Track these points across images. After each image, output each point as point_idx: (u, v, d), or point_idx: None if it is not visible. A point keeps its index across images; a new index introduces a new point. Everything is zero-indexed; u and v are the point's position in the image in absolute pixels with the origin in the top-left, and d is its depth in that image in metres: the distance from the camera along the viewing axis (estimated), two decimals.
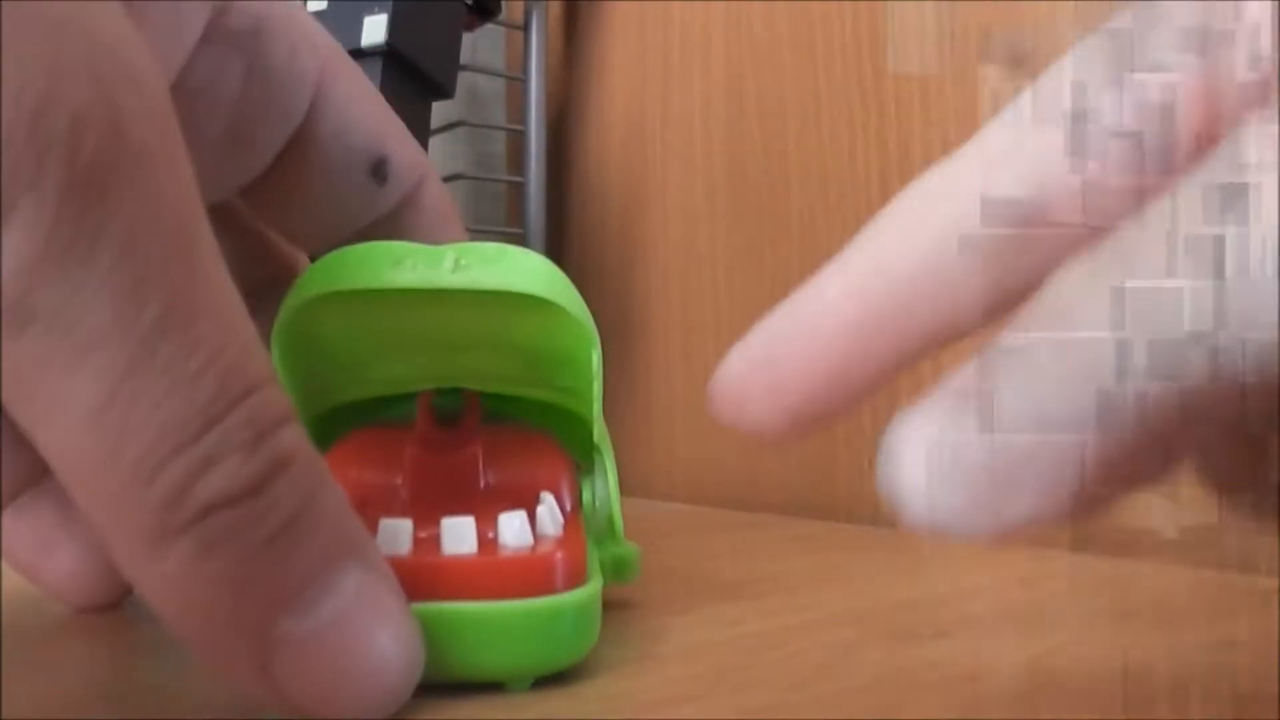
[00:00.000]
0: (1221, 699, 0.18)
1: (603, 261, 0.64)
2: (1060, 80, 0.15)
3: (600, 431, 0.24)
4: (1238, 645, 0.21)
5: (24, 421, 0.14)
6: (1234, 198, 0.11)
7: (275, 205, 0.25)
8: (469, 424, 0.23)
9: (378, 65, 0.42)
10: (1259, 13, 0.12)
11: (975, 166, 0.14)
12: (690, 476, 0.56)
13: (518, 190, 0.64)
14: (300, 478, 0.16)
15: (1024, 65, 0.42)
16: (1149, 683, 0.19)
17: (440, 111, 0.51)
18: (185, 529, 0.14)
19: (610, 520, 0.25)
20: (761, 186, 0.54)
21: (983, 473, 0.12)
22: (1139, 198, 0.13)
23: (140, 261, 0.14)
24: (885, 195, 0.54)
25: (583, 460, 0.25)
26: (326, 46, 0.24)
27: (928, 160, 0.51)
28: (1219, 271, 0.11)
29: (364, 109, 0.24)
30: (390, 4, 0.42)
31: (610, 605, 0.25)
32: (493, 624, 0.18)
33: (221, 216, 0.22)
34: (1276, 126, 0.11)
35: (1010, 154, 0.15)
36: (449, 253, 0.20)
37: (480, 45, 0.72)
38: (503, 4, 0.60)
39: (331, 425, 0.25)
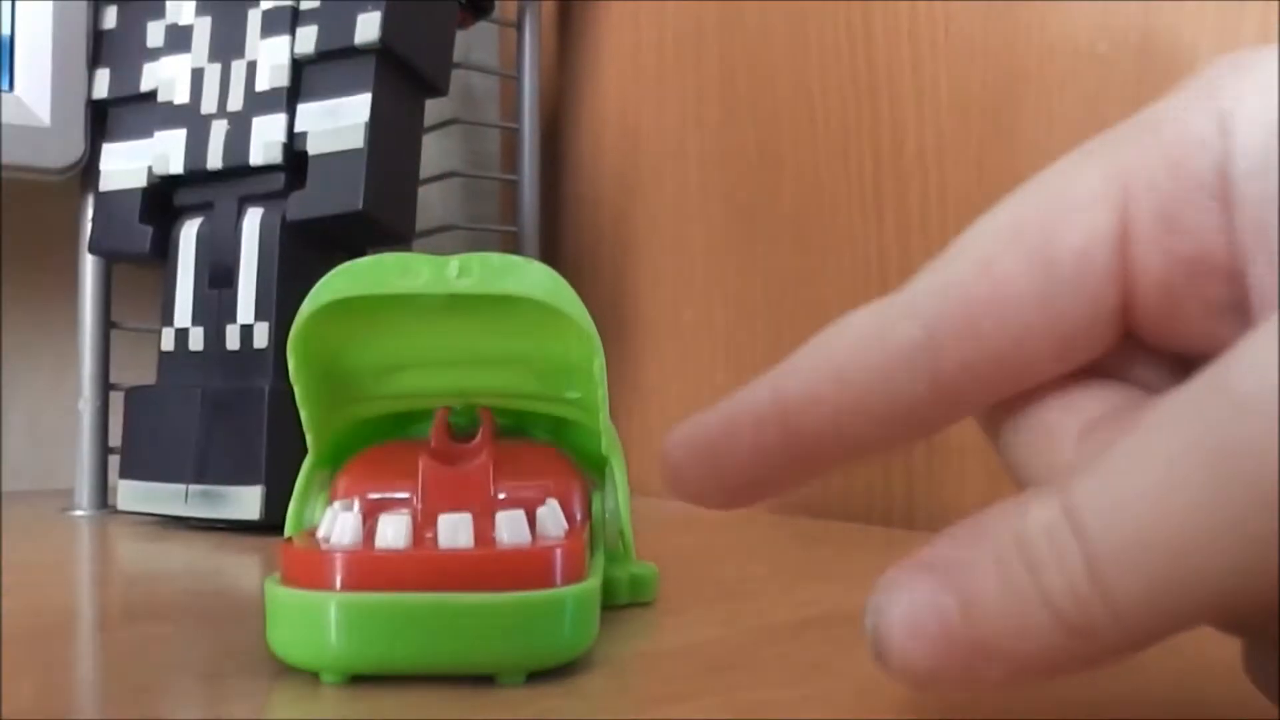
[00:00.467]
0: None
1: (597, 259, 0.64)
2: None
3: (610, 441, 0.24)
4: None
5: None
6: None
7: None
8: (482, 438, 0.23)
9: (371, 63, 0.42)
10: None
11: (892, 308, 0.16)
12: None
13: (511, 188, 0.63)
14: None
15: None
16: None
17: (434, 109, 0.51)
18: None
19: (622, 534, 0.25)
20: (755, 184, 0.54)
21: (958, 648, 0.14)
22: None
23: None
24: (878, 193, 0.54)
25: (594, 475, 0.25)
26: None
27: (921, 158, 0.51)
28: None
29: None
30: (384, 2, 0.42)
31: (609, 605, 0.25)
32: (487, 615, 0.18)
33: None
34: None
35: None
36: (454, 261, 0.21)
37: (474, 43, 0.72)
38: (496, 2, 0.60)
39: (359, 439, 0.25)
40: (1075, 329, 0.15)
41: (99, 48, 0.48)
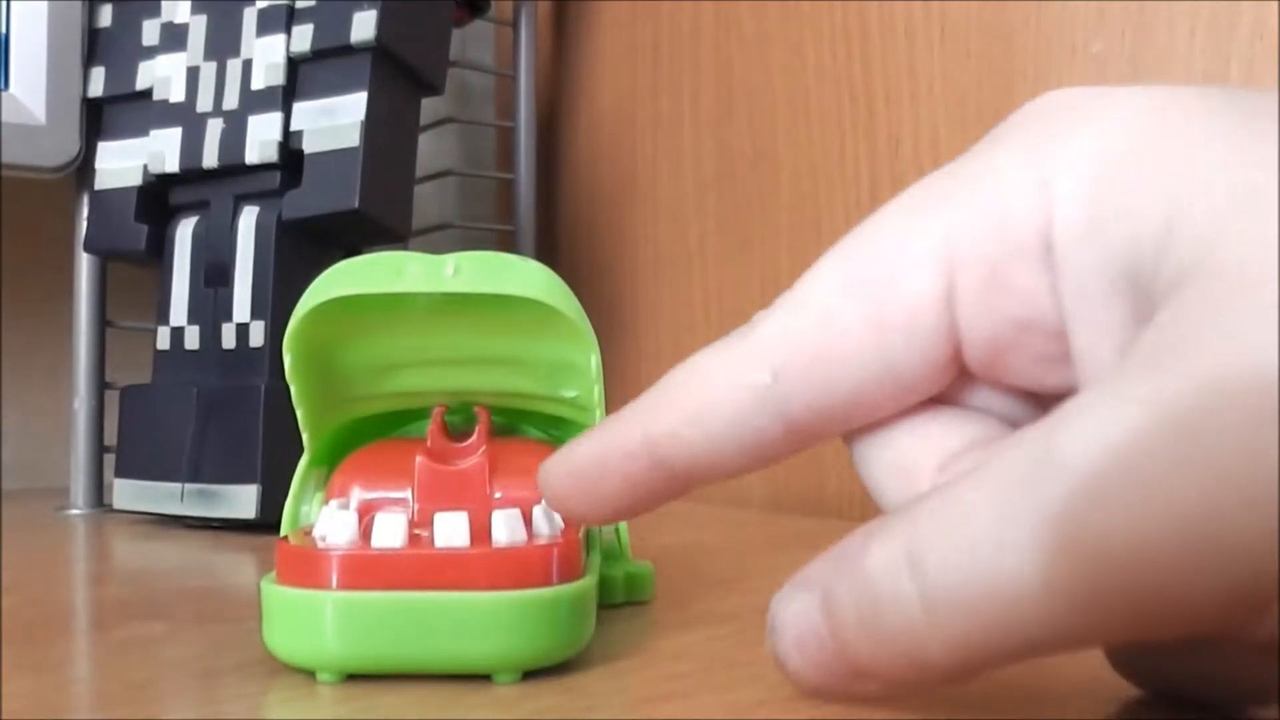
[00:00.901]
0: None
1: (593, 257, 0.64)
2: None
3: None
4: None
5: None
6: None
7: None
8: (479, 437, 0.24)
9: (367, 61, 0.42)
10: None
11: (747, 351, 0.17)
12: None
13: (508, 187, 0.63)
14: None
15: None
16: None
17: (430, 108, 0.51)
18: None
19: (618, 533, 0.25)
20: (750, 183, 0.54)
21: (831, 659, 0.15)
22: None
23: None
24: (874, 192, 0.54)
25: None
26: None
27: (916, 157, 0.51)
28: None
29: None
30: (380, 0, 0.42)
31: (606, 603, 0.25)
32: (482, 614, 0.18)
33: None
34: None
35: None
36: (449, 260, 0.21)
37: (470, 41, 0.72)
38: (492, 0, 0.60)
39: (355, 438, 0.25)
40: (910, 378, 0.17)
41: (94, 46, 0.48)
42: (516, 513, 0.20)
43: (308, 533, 0.21)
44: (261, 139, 0.43)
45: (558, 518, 0.21)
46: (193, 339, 0.44)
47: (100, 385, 0.49)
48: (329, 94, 0.43)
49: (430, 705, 0.18)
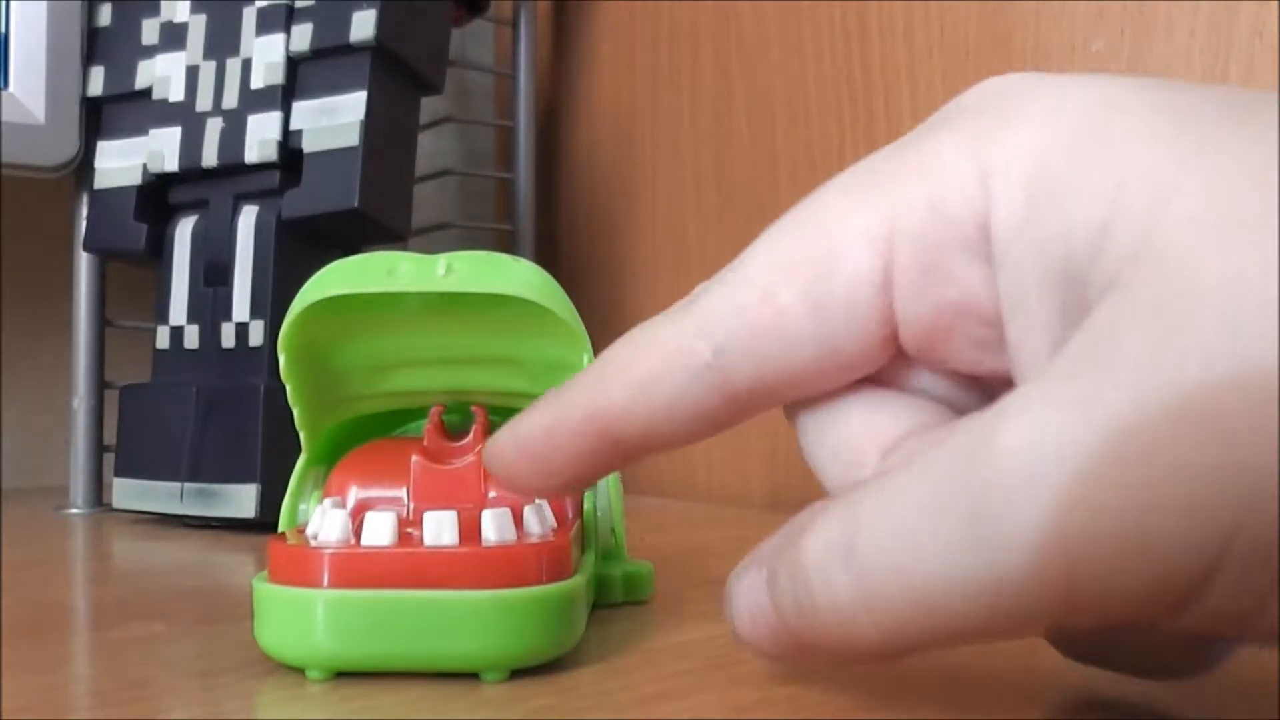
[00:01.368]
0: None
1: (592, 256, 0.64)
2: None
3: None
4: None
5: None
6: None
7: None
8: (474, 436, 0.24)
9: (366, 61, 0.42)
10: None
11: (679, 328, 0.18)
12: (678, 472, 0.57)
13: (507, 186, 0.63)
14: None
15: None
16: None
17: (429, 107, 0.51)
18: None
19: (614, 532, 0.25)
20: (750, 182, 0.54)
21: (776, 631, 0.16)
22: None
23: None
24: None
25: None
26: None
27: None
28: None
29: None
30: (379, 0, 0.42)
31: (604, 603, 0.25)
32: (470, 613, 0.18)
33: None
34: None
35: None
36: (441, 259, 0.21)
37: (469, 41, 0.72)
38: (492, 0, 0.60)
39: (355, 436, 0.25)
40: (849, 356, 0.17)
41: (94, 45, 0.48)
42: (506, 511, 0.20)
43: (302, 531, 0.21)
44: (261, 138, 0.43)
45: (549, 516, 0.21)
46: (192, 338, 0.44)
47: (100, 384, 0.49)
48: (328, 93, 0.43)
49: (425, 705, 0.18)
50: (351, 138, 0.42)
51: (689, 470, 0.56)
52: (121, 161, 0.47)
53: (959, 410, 0.18)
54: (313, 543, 0.19)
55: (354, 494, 0.23)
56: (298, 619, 0.18)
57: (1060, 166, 0.14)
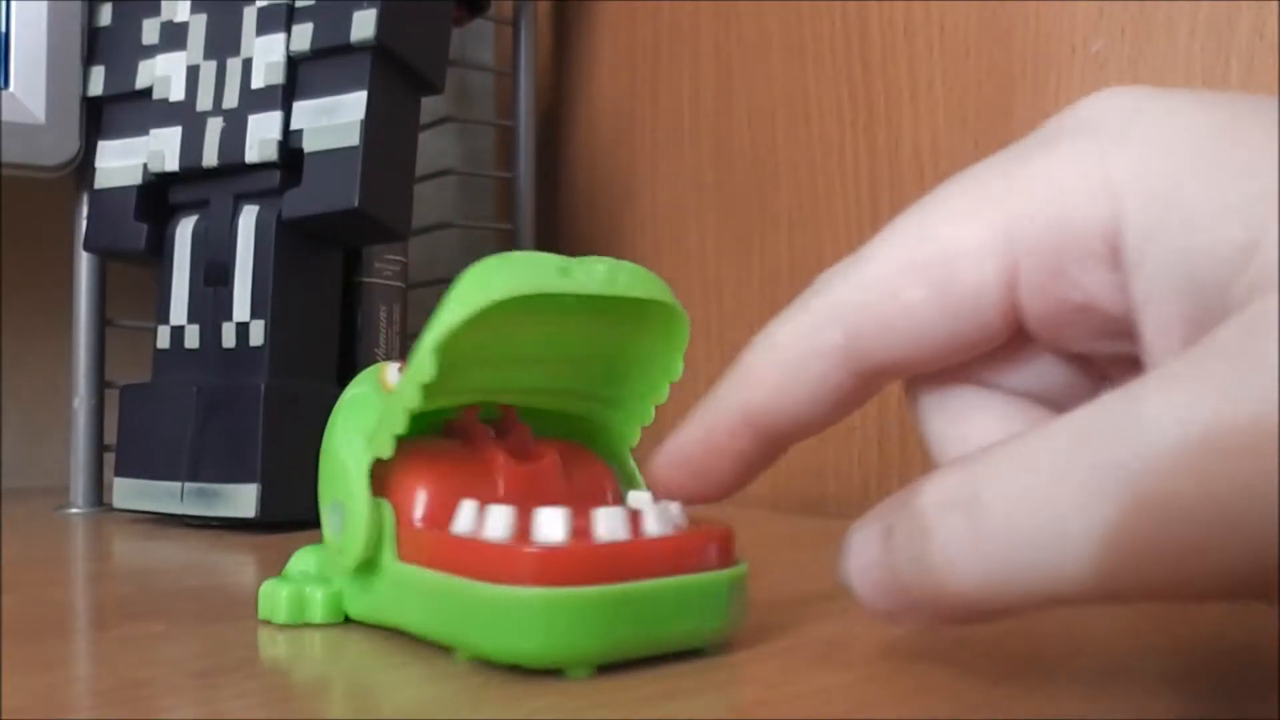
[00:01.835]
0: None
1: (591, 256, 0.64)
2: None
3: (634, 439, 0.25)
4: None
5: None
6: None
7: None
8: (523, 435, 0.24)
9: (367, 61, 0.42)
10: None
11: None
12: None
13: (507, 186, 0.63)
14: None
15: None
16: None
17: (430, 107, 0.51)
18: None
19: None
20: (750, 182, 0.54)
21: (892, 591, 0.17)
22: None
23: None
24: (874, 191, 0.54)
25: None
26: None
27: (916, 156, 0.51)
28: None
29: None
30: (379, 0, 0.42)
31: None
32: (704, 594, 0.20)
33: None
34: None
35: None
36: (598, 264, 0.21)
37: (470, 41, 0.72)
38: (492, 0, 0.60)
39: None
40: (972, 342, 0.18)
41: (94, 45, 0.48)
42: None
43: (433, 528, 0.21)
44: (261, 138, 0.43)
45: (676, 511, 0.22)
46: (192, 338, 0.44)
47: (100, 384, 0.49)
48: (329, 93, 0.43)
49: (427, 705, 0.18)
50: (352, 137, 0.42)
51: None
52: (122, 161, 0.47)
53: (1070, 394, 0.19)
54: (531, 545, 0.19)
55: (436, 494, 0.22)
56: (563, 620, 0.18)
57: (1194, 187, 0.15)
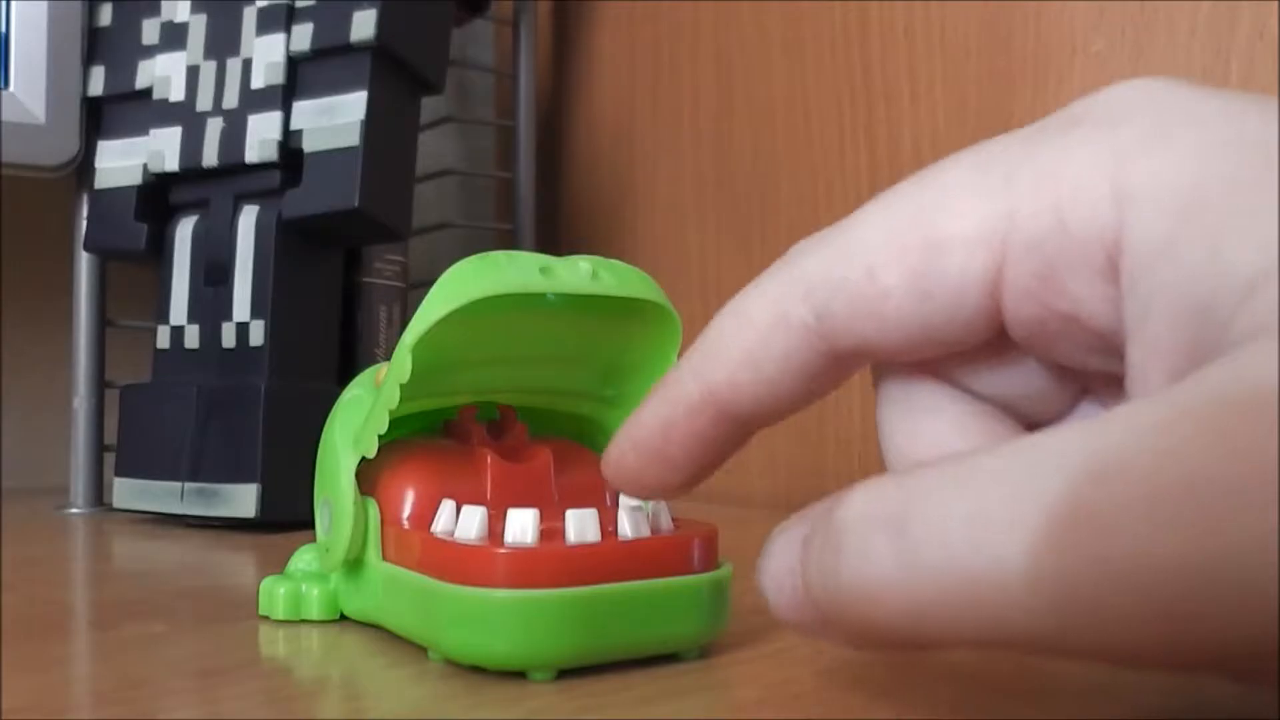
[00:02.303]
0: None
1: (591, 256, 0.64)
2: None
3: None
4: None
5: None
6: None
7: None
8: (520, 434, 0.24)
9: (367, 61, 0.42)
10: None
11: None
12: None
13: (507, 186, 0.63)
14: None
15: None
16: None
17: (430, 107, 0.51)
18: None
19: None
20: (750, 182, 0.54)
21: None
22: None
23: None
24: (874, 191, 0.54)
25: None
26: None
27: (917, 156, 0.51)
28: None
29: None
30: (380, 0, 0.42)
31: None
32: (679, 597, 0.20)
33: None
34: None
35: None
36: (581, 263, 0.21)
37: (470, 41, 0.72)
38: (492, 0, 0.60)
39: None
40: (947, 338, 0.17)
41: (94, 45, 0.48)
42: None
43: (420, 529, 0.21)
44: (261, 138, 0.43)
45: (669, 514, 0.21)
46: (193, 338, 0.44)
47: (100, 384, 0.49)
48: (329, 93, 0.43)
49: (430, 705, 0.18)
50: (352, 138, 0.42)
51: None
52: (122, 161, 0.47)
53: (1043, 409, 0.18)
54: (503, 547, 0.19)
55: (433, 490, 0.22)
56: (531, 622, 0.18)
57: (1218, 207, 0.14)
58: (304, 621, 0.23)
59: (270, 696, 0.18)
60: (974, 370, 0.18)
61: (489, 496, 0.22)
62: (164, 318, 0.45)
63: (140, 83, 0.46)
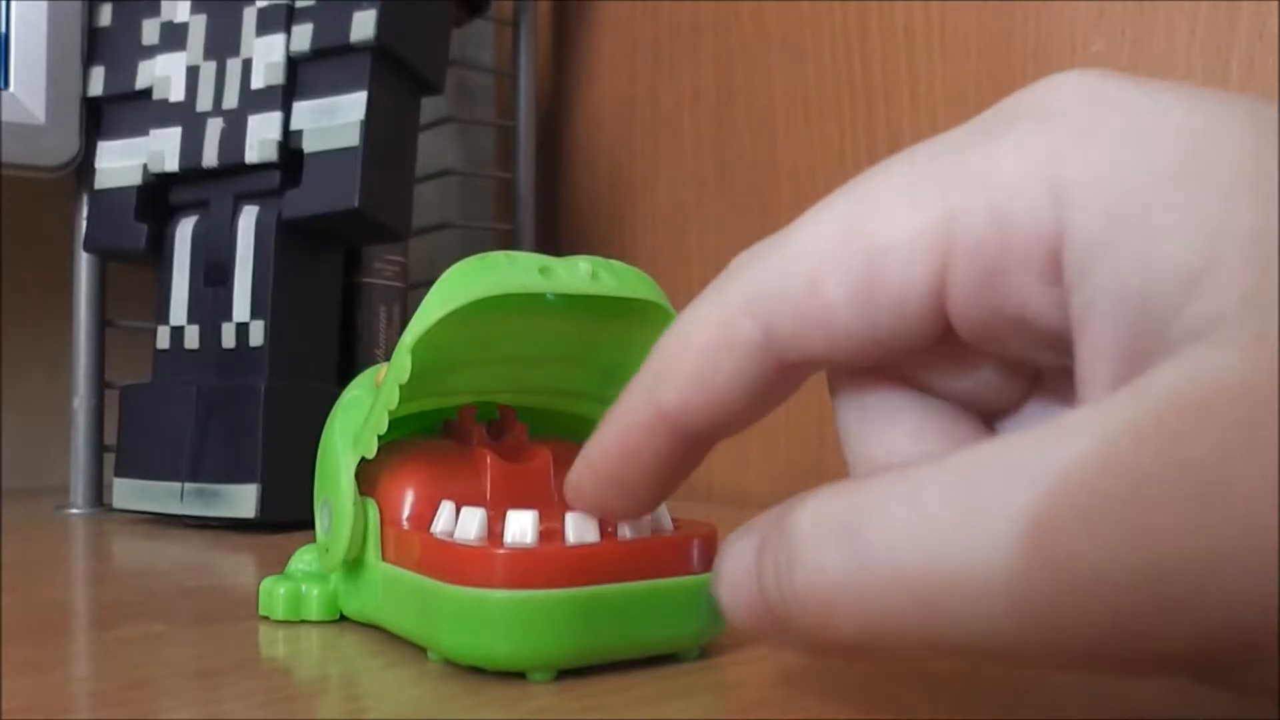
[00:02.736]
0: None
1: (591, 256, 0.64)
2: None
3: None
4: None
5: None
6: None
7: None
8: (519, 434, 0.24)
9: (367, 61, 0.42)
10: None
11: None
12: None
13: (507, 186, 0.63)
14: None
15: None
16: None
17: (430, 107, 0.51)
18: None
19: None
20: (750, 182, 0.54)
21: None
22: None
23: None
24: None
25: None
26: None
27: None
28: None
29: None
30: (380, 0, 0.42)
31: None
32: (680, 597, 0.20)
33: None
34: None
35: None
36: (581, 263, 0.21)
37: (470, 41, 0.72)
38: (492, 0, 0.60)
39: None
40: (894, 345, 0.16)
41: (94, 45, 0.48)
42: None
43: (420, 529, 0.21)
44: (261, 138, 0.43)
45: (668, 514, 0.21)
46: (192, 338, 0.44)
47: (100, 384, 0.49)
48: (329, 93, 0.43)
49: (427, 705, 0.18)
50: (352, 138, 0.42)
51: None
52: (122, 161, 0.47)
53: (999, 401, 0.18)
54: (502, 547, 0.19)
55: (422, 494, 0.22)
56: (529, 622, 0.18)
57: (1151, 201, 0.14)
58: (303, 622, 0.23)
59: (271, 697, 0.18)
60: (926, 370, 0.18)
61: (488, 497, 0.22)
62: (164, 318, 0.45)
63: (140, 83, 0.46)
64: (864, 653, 0.14)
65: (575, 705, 0.18)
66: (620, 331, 0.23)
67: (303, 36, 0.43)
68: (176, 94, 0.45)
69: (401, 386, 0.20)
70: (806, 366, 0.17)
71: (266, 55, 0.43)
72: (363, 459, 0.22)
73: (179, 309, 0.44)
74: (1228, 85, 0.36)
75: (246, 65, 0.44)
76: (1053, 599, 0.12)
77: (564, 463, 0.23)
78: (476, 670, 0.19)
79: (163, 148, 0.45)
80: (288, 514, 0.40)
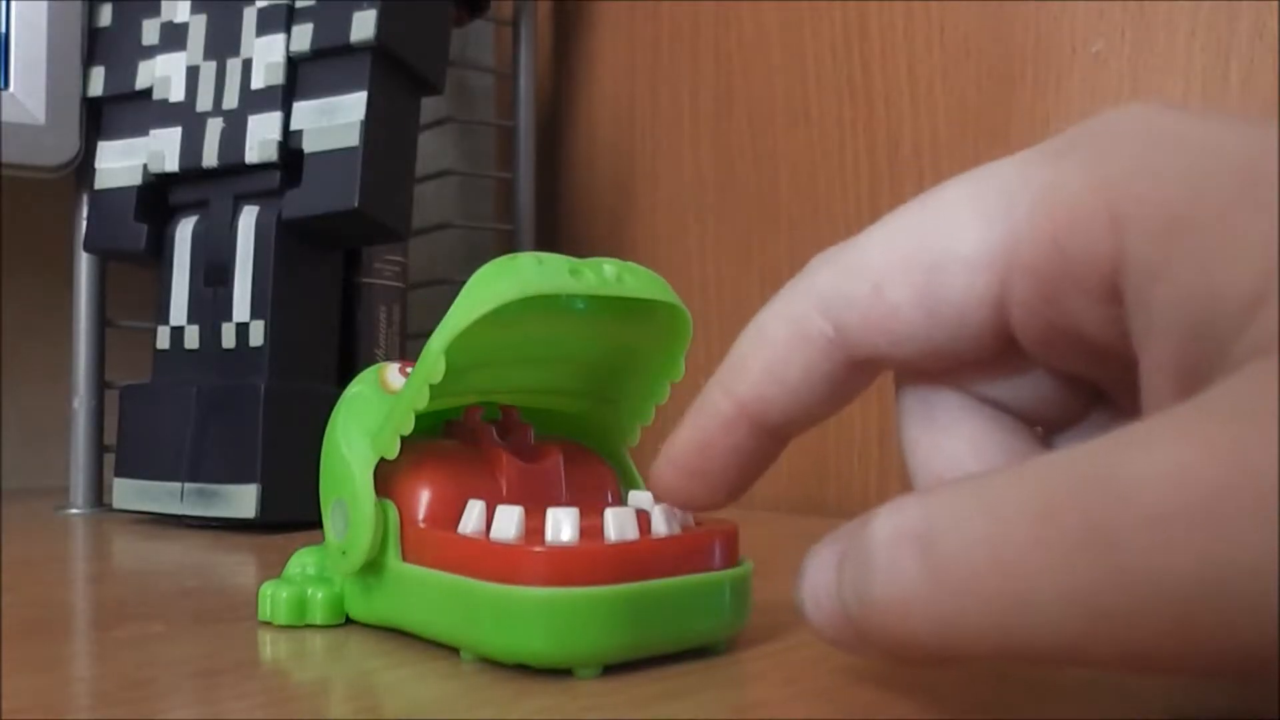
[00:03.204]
0: None
1: (592, 257, 0.64)
2: None
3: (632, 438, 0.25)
4: None
5: None
6: None
7: None
8: (525, 435, 0.24)
9: (366, 61, 0.42)
10: None
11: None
12: None
13: (507, 186, 0.63)
14: None
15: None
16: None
17: (429, 107, 0.51)
18: None
19: None
20: (750, 182, 0.54)
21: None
22: None
23: None
24: (874, 192, 0.54)
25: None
26: None
27: (917, 156, 0.51)
28: None
29: None
30: (379, 0, 0.42)
31: None
32: (718, 591, 0.20)
33: None
34: None
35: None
36: (606, 265, 0.21)
37: (470, 41, 0.72)
38: (492, 0, 0.60)
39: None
40: (957, 352, 0.18)
41: (94, 45, 0.48)
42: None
43: (448, 531, 0.21)
44: (261, 139, 0.43)
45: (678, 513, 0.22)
46: (192, 338, 0.44)
47: (100, 385, 0.49)
48: (329, 93, 0.43)
49: (435, 705, 0.18)
50: (351, 138, 0.42)
51: None
52: (122, 162, 0.47)
53: (1059, 415, 0.19)
54: (542, 545, 0.19)
55: (439, 495, 0.22)
56: (573, 620, 0.18)
57: (1203, 229, 0.14)
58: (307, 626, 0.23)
59: (271, 697, 0.18)
60: (989, 380, 0.19)
61: (505, 496, 0.22)
62: (164, 318, 0.45)
63: (140, 83, 0.46)
64: (939, 657, 0.15)
65: (578, 704, 0.18)
66: (630, 333, 0.23)
67: (303, 36, 0.43)
68: (176, 94, 0.45)
69: (432, 387, 0.20)
70: (875, 365, 0.18)
71: (266, 55, 0.43)
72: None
73: (179, 309, 0.44)
74: (1228, 85, 0.36)
75: (246, 65, 0.44)
76: (1125, 607, 0.12)
77: (569, 462, 0.23)
78: (479, 670, 0.19)
79: (163, 148, 0.45)
80: (288, 514, 0.40)
